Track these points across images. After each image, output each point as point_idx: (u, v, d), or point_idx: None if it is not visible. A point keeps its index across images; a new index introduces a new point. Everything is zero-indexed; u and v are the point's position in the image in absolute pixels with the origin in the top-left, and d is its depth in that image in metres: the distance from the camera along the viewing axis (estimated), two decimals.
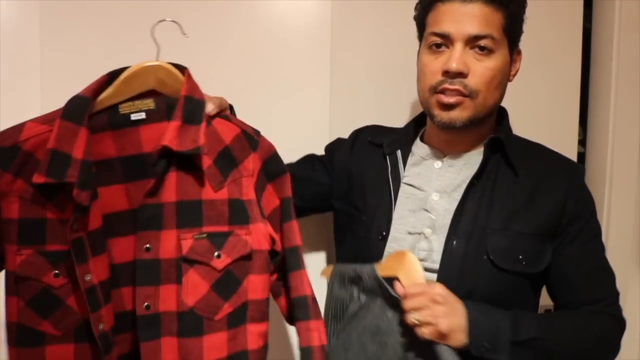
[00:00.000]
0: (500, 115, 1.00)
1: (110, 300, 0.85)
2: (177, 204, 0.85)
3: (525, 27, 1.25)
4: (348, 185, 1.04)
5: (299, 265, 0.92)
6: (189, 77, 0.88)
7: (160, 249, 0.84)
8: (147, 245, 0.83)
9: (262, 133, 0.93)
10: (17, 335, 0.82)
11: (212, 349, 0.86)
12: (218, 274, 0.86)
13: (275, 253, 0.92)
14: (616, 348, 0.93)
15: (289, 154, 1.14)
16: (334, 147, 1.12)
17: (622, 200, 1.34)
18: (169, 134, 0.82)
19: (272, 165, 0.92)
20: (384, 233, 0.95)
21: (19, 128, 0.82)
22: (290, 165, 1.11)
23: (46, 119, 0.83)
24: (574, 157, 1.34)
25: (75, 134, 0.81)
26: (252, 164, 0.90)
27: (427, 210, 0.93)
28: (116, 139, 0.86)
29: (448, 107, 0.89)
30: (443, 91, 0.89)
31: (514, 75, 0.97)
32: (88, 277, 0.81)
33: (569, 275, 0.92)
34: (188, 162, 0.84)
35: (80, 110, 0.82)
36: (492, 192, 0.91)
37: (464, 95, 0.88)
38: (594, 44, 1.37)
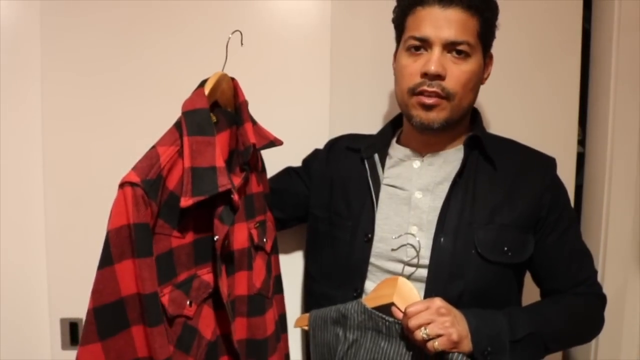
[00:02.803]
0: (473, 114, 1.04)
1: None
2: (245, 199, 0.92)
3: (525, 28, 1.25)
4: (329, 193, 1.06)
5: (277, 250, 1.07)
6: (238, 85, 0.94)
7: (234, 241, 0.89)
8: (225, 242, 0.86)
9: None
10: None
11: (270, 324, 0.94)
12: (267, 256, 0.97)
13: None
14: (601, 322, 1.01)
15: (289, 154, 1.15)
16: (311, 158, 1.15)
17: (621, 200, 1.34)
18: (251, 134, 0.90)
19: (262, 161, 1.03)
20: (369, 235, 0.97)
21: (154, 155, 0.77)
22: (269, 179, 1.12)
23: (170, 140, 0.80)
24: (573, 157, 1.34)
25: (211, 145, 0.80)
26: (260, 160, 1.00)
27: (411, 209, 0.96)
28: None
29: (427, 108, 0.92)
30: (422, 93, 0.92)
31: (486, 79, 1.00)
32: (224, 289, 0.82)
33: (552, 263, 0.98)
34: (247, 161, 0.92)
35: (207, 121, 0.82)
36: (474, 188, 0.95)
37: (441, 97, 0.91)
38: (593, 44, 1.37)
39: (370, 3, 1.21)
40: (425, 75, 0.91)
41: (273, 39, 1.19)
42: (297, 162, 1.17)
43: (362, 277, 0.97)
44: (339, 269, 1.00)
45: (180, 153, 0.79)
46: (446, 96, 0.91)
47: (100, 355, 0.72)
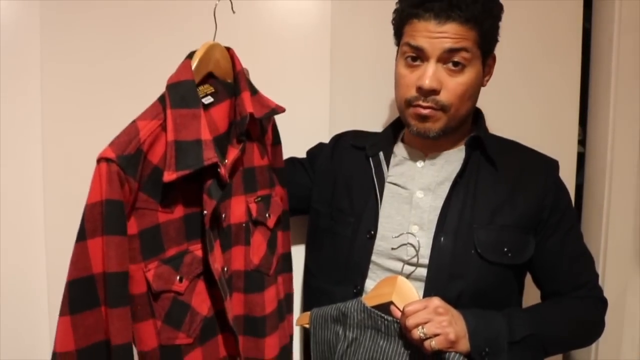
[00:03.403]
0: (475, 115, 1.04)
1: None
2: (243, 172, 0.90)
3: (525, 27, 1.25)
4: (332, 189, 1.06)
5: (289, 226, 1.06)
6: (235, 54, 0.92)
7: (231, 215, 0.87)
8: (223, 215, 0.86)
9: None
10: (161, 359, 0.79)
11: (270, 301, 0.93)
12: (269, 232, 0.95)
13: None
14: (601, 326, 1.00)
15: (289, 154, 1.14)
16: (315, 151, 1.14)
17: (622, 201, 1.34)
18: (248, 103, 0.87)
19: (276, 134, 1.01)
20: (372, 232, 0.97)
21: (133, 129, 0.76)
22: None
23: (151, 114, 0.78)
24: (573, 157, 1.34)
25: (196, 118, 0.78)
26: (270, 132, 0.98)
27: (413, 208, 0.96)
28: None
29: (423, 118, 0.93)
30: (417, 105, 0.93)
31: (488, 81, 0.99)
32: (216, 265, 0.81)
33: (553, 265, 0.98)
34: (247, 132, 0.89)
35: (193, 93, 0.80)
36: (475, 189, 0.95)
37: (436, 110, 0.92)
38: (594, 44, 1.37)
39: (370, 3, 1.21)
40: (420, 89, 0.91)
41: (273, 39, 1.19)
42: None
43: (363, 275, 0.97)
44: (338, 265, 1.00)
45: (163, 127, 0.77)
46: (441, 108, 0.92)
47: (69, 328, 0.72)
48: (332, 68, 1.21)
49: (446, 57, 0.90)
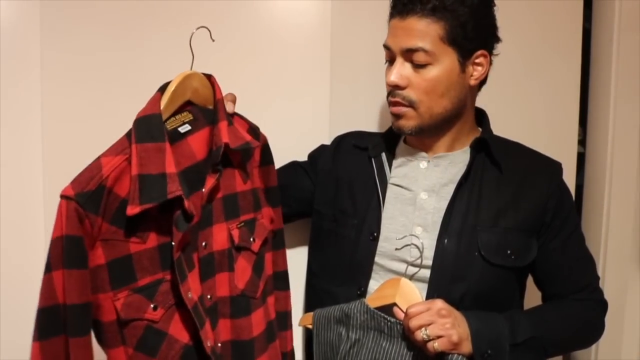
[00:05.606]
0: (479, 116, 1.04)
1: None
2: (223, 199, 0.91)
3: (525, 27, 1.25)
4: (334, 190, 1.06)
5: (283, 244, 1.06)
6: (215, 82, 0.92)
7: (213, 243, 0.89)
8: (204, 243, 0.87)
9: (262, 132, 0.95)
10: None
11: (258, 324, 0.94)
12: (255, 256, 0.95)
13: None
14: (601, 328, 1.02)
15: (289, 154, 1.15)
16: (317, 153, 1.14)
17: (622, 200, 1.34)
18: (224, 133, 0.87)
19: (266, 155, 1.01)
20: (375, 234, 0.97)
21: (96, 166, 0.78)
22: None
23: (117, 150, 0.80)
24: (573, 157, 1.34)
25: (161, 151, 0.80)
26: (257, 155, 0.98)
27: (416, 209, 0.96)
28: (174, 154, 0.85)
29: (395, 116, 0.95)
30: (390, 103, 0.95)
31: (478, 80, 0.95)
32: (190, 295, 0.82)
33: (554, 268, 0.99)
34: (227, 159, 0.90)
35: (158, 127, 0.81)
36: (480, 191, 0.95)
37: (405, 106, 0.93)
38: (593, 44, 1.37)
39: (370, 3, 1.21)
40: (388, 86, 0.94)
41: (273, 39, 1.19)
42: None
43: (367, 276, 0.97)
44: (342, 266, 1.01)
45: (129, 161, 0.79)
46: (409, 105, 0.92)
47: (38, 354, 0.76)
48: (332, 68, 1.21)
49: (408, 55, 0.91)
